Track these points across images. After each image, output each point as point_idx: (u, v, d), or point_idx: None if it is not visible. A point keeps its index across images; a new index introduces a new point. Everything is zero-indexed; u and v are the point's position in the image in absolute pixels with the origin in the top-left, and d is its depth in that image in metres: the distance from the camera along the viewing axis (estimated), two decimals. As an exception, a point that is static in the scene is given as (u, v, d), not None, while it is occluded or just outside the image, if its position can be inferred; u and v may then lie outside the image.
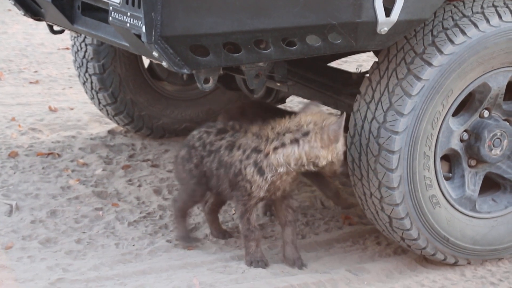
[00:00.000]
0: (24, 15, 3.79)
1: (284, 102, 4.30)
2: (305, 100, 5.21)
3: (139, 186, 4.06)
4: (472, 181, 3.43)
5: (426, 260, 3.54)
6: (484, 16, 3.25)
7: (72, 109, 5.07)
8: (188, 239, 3.54)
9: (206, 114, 4.66)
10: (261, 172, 3.27)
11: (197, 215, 3.83)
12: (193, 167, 3.44)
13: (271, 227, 3.77)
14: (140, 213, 3.81)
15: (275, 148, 3.25)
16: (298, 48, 3.12)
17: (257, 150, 3.28)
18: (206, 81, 3.30)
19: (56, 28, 3.94)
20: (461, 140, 3.39)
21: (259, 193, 3.29)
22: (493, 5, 3.29)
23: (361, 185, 3.37)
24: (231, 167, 3.32)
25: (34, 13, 3.77)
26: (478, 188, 3.45)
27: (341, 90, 3.78)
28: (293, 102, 5.29)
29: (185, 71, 3.22)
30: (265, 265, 3.37)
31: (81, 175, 4.13)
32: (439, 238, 3.38)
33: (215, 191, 3.45)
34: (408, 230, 3.35)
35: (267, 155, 3.25)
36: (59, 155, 4.31)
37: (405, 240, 3.41)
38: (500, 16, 3.26)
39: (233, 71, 3.76)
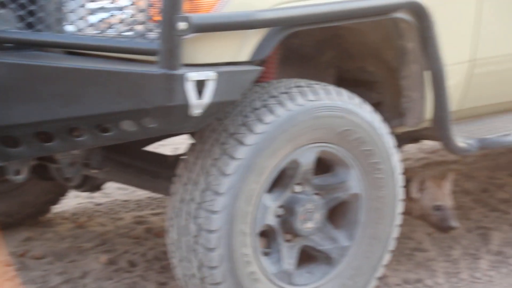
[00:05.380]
0: None
1: (100, 189, 4.26)
2: (124, 186, 5.17)
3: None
4: (289, 255, 3.52)
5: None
6: (289, 95, 3.38)
7: None
8: None
9: (20, 207, 4.52)
10: None
11: None
12: None
13: None
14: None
15: None
16: (113, 134, 3.12)
17: None
18: (17, 172, 3.22)
19: None
20: (277, 216, 3.48)
21: None
22: (296, 86, 3.43)
23: (181, 266, 3.37)
24: None
25: None
26: (294, 261, 3.54)
27: (158, 174, 3.80)
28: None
29: (-4, 163, 3.14)
30: None
31: None
32: (261, 313, 3.42)
33: None
34: (230, 308, 3.37)
35: None
36: None
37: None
38: (304, 96, 3.40)
39: (46, 160, 3.70)
